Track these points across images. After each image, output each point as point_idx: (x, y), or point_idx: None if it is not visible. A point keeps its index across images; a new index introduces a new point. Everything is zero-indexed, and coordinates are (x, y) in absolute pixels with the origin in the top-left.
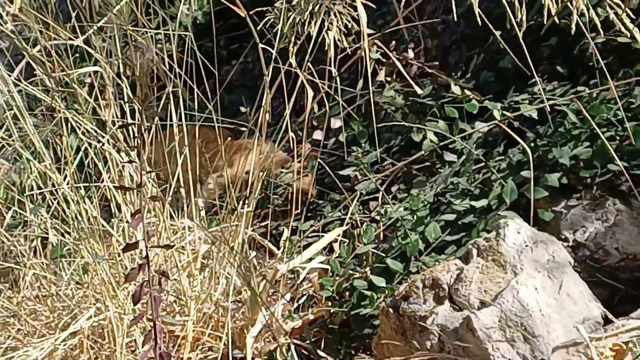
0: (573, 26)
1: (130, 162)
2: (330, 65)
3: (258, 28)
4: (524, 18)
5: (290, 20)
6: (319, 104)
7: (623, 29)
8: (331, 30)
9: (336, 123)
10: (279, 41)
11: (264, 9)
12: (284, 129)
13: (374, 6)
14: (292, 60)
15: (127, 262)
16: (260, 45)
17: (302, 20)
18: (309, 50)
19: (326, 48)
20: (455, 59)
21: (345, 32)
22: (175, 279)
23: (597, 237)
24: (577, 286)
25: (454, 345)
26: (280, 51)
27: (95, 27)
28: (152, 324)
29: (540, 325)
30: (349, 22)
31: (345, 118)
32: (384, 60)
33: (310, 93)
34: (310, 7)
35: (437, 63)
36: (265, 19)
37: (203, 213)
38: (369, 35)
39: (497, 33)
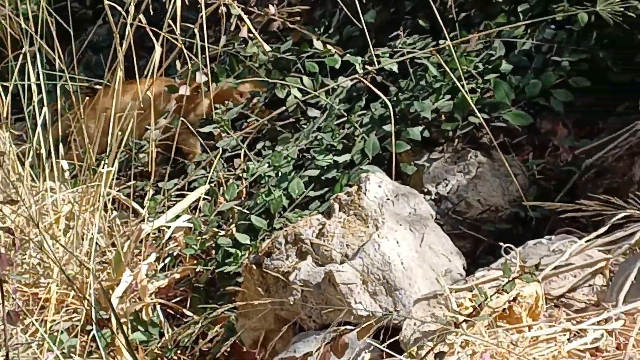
0: None
1: None
2: (187, 21)
3: None
4: None
5: None
6: (183, 62)
7: None
8: None
9: (202, 77)
10: None
11: None
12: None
13: None
14: (142, 17)
15: None
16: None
17: None
18: (170, 8)
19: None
20: (320, 14)
21: None
22: (39, 241)
23: (459, 190)
24: (439, 239)
25: (317, 299)
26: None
27: None
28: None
29: (402, 278)
30: None
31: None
32: (247, 16)
33: (158, 50)
34: None
35: (299, 18)
36: None
37: (67, 174)
38: None
39: None
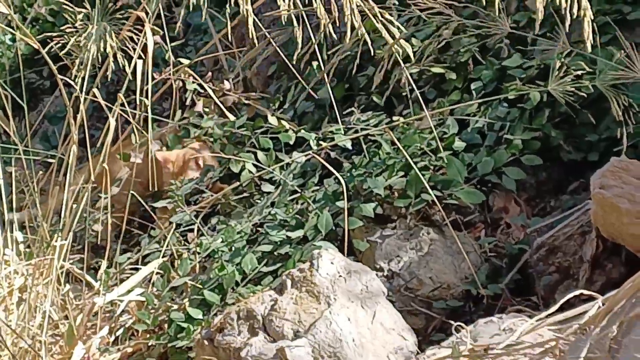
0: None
1: None
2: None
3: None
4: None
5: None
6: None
7: (389, 38)
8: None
9: (155, 147)
10: (83, 70)
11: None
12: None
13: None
14: (96, 90)
15: None
16: (61, 77)
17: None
18: (127, 80)
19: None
20: (275, 89)
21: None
22: None
23: (412, 267)
24: (390, 316)
25: None
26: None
27: None
28: None
29: (353, 355)
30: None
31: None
32: (202, 91)
33: (112, 124)
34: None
35: (254, 94)
36: (56, 45)
37: (22, 246)
38: (183, 65)
39: (315, 64)
